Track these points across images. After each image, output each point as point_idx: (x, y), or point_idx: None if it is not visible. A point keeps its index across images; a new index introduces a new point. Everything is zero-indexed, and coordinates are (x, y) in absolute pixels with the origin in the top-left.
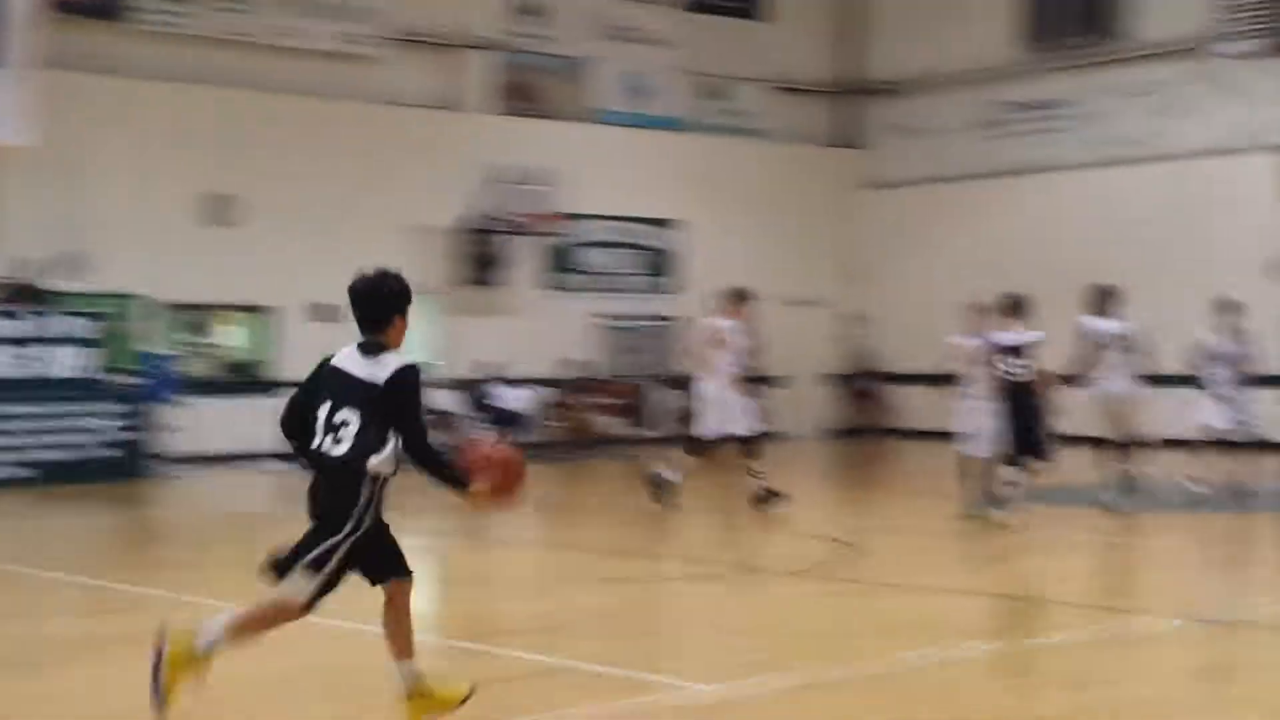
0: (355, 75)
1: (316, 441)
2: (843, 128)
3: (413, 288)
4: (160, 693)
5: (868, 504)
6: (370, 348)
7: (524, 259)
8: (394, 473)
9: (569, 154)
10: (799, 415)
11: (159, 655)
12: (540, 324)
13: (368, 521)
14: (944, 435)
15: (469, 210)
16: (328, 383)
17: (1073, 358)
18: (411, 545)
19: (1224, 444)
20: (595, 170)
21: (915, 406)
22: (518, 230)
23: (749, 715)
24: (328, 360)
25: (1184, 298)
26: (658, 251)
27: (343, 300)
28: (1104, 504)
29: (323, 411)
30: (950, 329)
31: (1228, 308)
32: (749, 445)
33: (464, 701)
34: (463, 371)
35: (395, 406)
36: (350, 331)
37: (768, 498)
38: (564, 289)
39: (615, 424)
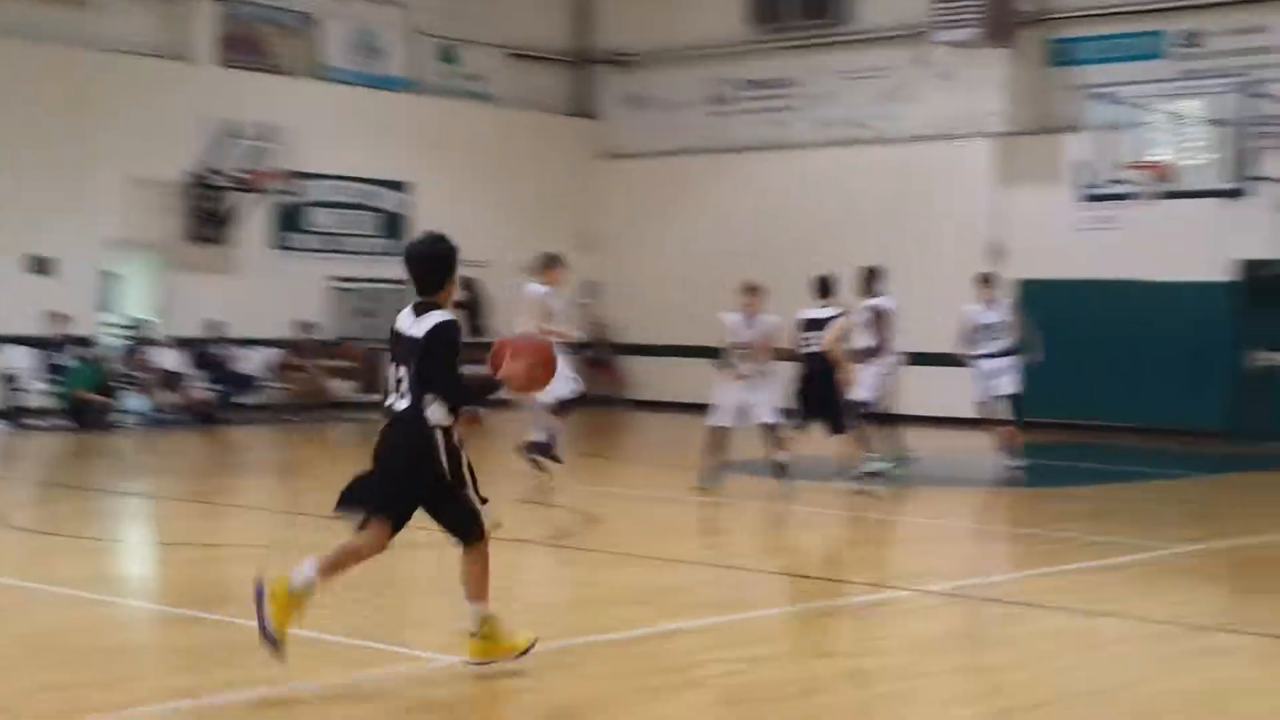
0: (70, 19)
1: (390, 399)
2: (578, 97)
3: (136, 242)
4: (270, 633)
5: (604, 473)
6: (423, 307)
7: (251, 217)
8: (455, 422)
9: (297, 111)
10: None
11: (260, 598)
12: (269, 284)
13: (434, 470)
14: (678, 406)
15: (193, 164)
16: (393, 344)
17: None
18: (134, 510)
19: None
20: (324, 129)
21: (649, 377)
22: (244, 187)
23: (485, 686)
24: (394, 324)
25: (908, 278)
26: (389, 214)
27: (60, 252)
28: (864, 477)
29: (391, 370)
30: (683, 300)
31: (990, 281)
32: (568, 407)
33: (525, 652)
34: (190, 330)
35: (430, 356)
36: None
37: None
38: (293, 249)
39: (346, 388)
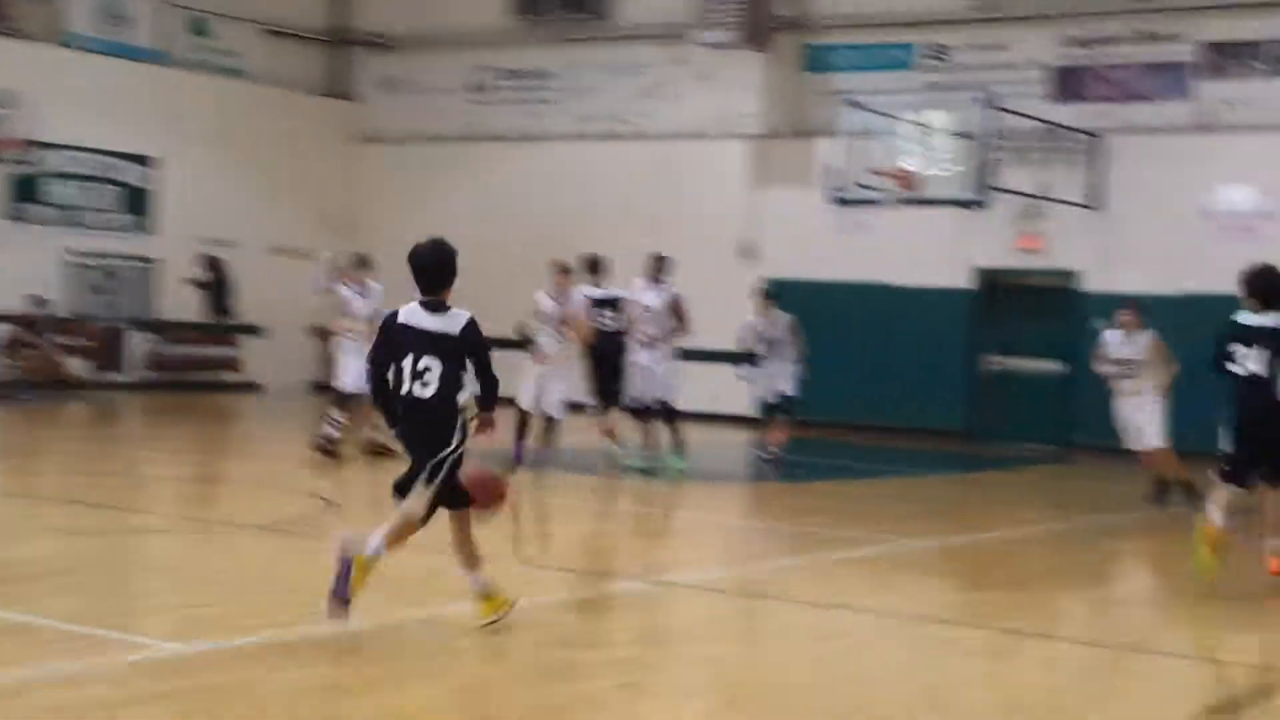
0: None
1: (405, 387)
2: (334, 78)
3: None
4: (347, 594)
5: (356, 459)
6: (434, 305)
7: None
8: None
9: (38, 77)
10: (284, 367)
11: (347, 565)
12: (2, 255)
13: (460, 447)
14: None
15: None
16: (403, 337)
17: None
18: None
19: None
20: (66, 97)
21: None
22: None
23: (215, 674)
24: (393, 319)
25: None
26: (133, 189)
27: None
28: (621, 469)
29: (407, 362)
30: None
31: (768, 294)
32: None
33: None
34: None
35: (471, 351)
36: None
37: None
38: (29, 220)
39: (84, 367)
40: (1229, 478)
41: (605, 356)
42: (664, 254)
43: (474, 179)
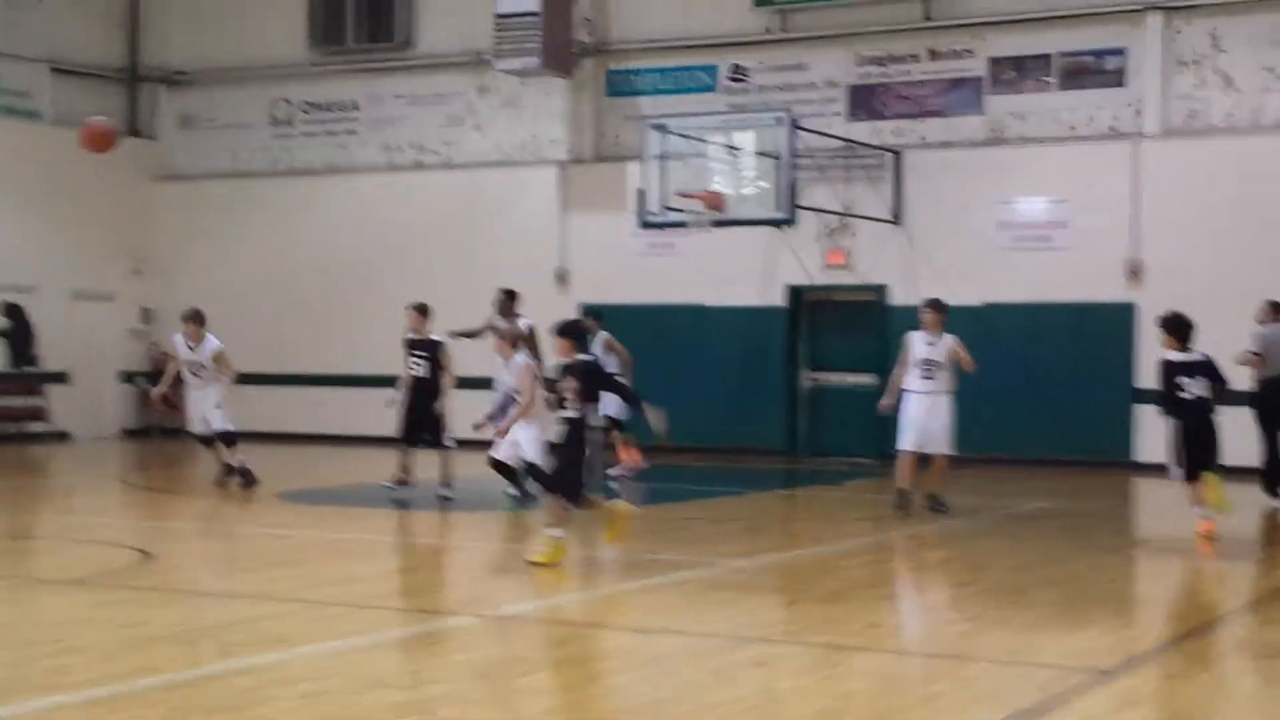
0: None
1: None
2: (130, 116)
3: None
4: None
5: (164, 507)
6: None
7: None
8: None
9: None
10: (91, 414)
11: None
12: None
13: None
14: (242, 435)
15: None
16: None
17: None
18: None
19: None
20: None
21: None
22: None
23: None
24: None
25: (477, 303)
26: None
27: None
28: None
29: (566, 385)
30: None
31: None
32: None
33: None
34: None
35: (602, 378)
36: None
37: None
38: None
39: None
40: (1191, 477)
41: (416, 400)
42: (510, 288)
43: (280, 215)
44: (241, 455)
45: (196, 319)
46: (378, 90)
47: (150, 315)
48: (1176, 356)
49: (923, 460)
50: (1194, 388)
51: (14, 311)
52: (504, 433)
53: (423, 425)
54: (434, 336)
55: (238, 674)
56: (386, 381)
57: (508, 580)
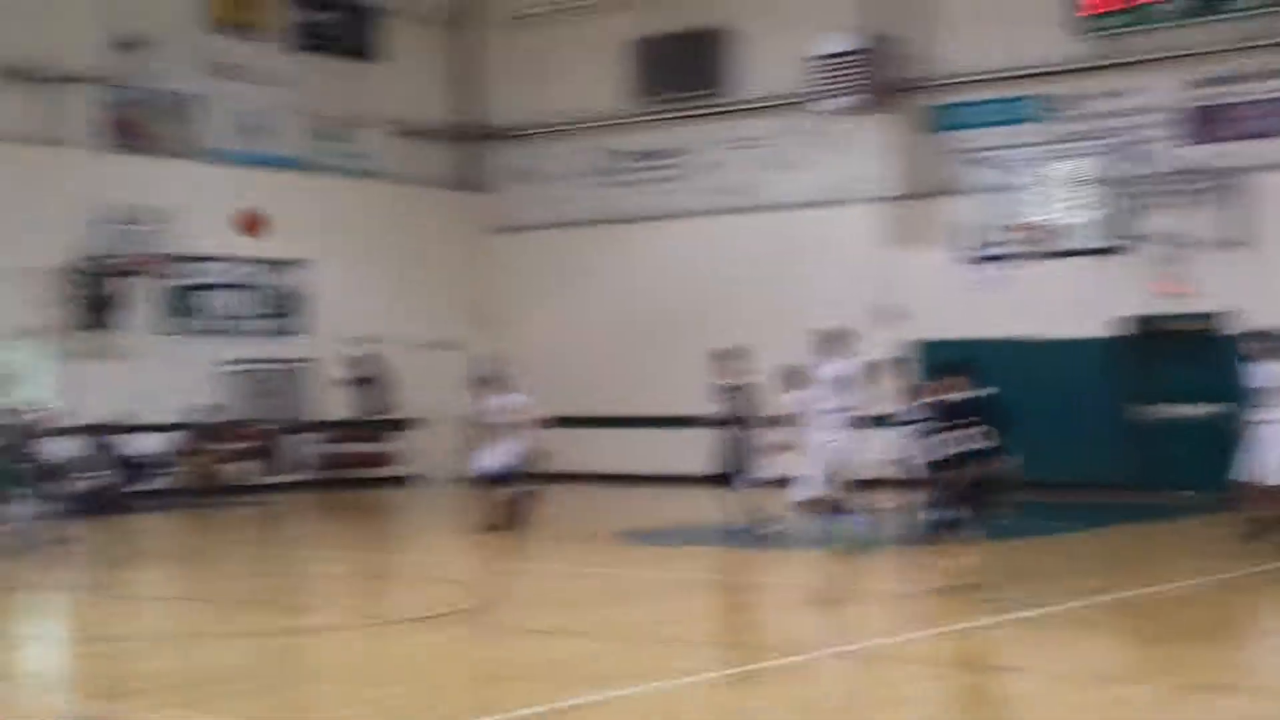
0: None
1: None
2: (466, 171)
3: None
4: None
5: (509, 548)
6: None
7: (140, 301)
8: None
9: (182, 192)
10: (434, 458)
11: None
12: (162, 368)
13: None
14: (575, 477)
15: (78, 251)
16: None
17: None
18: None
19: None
20: (211, 210)
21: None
22: (129, 272)
23: None
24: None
25: (797, 342)
26: (283, 294)
27: None
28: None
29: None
30: (579, 371)
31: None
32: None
33: None
34: (83, 418)
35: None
36: None
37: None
38: (186, 332)
39: (247, 469)
40: None
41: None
42: (842, 326)
43: (607, 261)
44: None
45: (491, 380)
46: (698, 136)
47: (492, 363)
48: None
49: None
50: None
51: (365, 362)
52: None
53: (739, 465)
54: (743, 380)
55: (585, 709)
56: (707, 423)
57: (847, 617)
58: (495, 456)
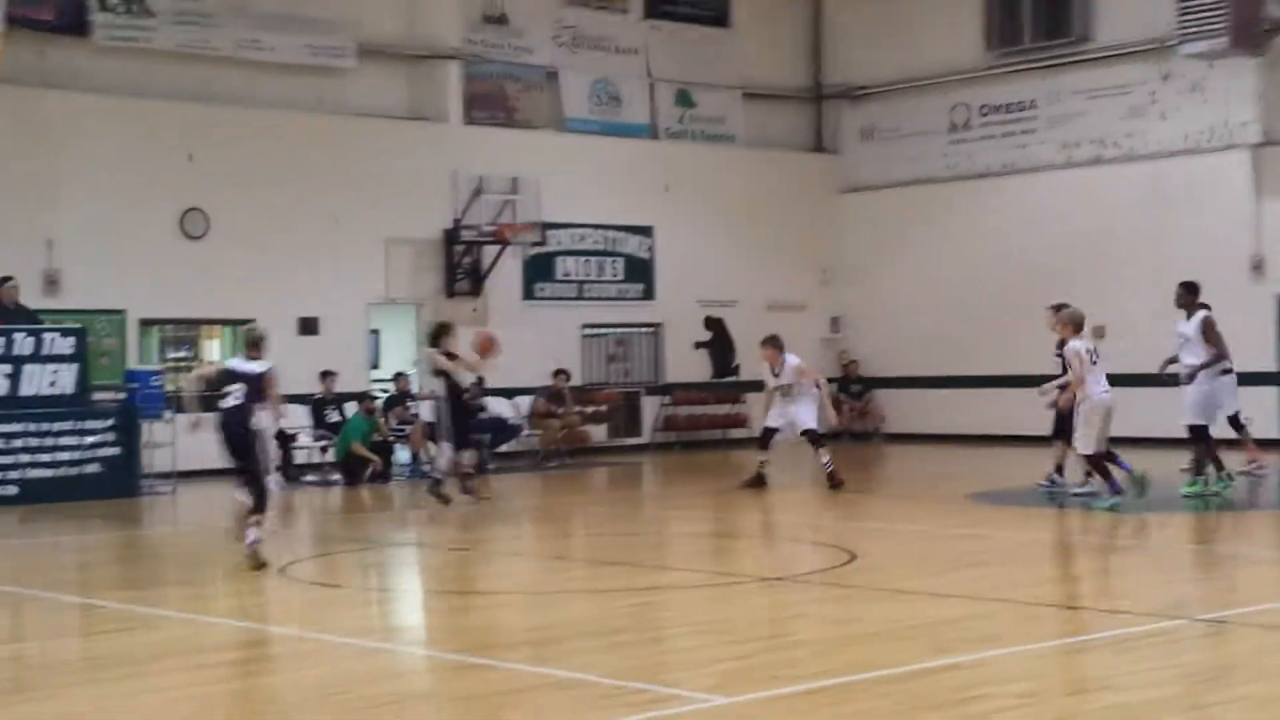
0: (326, 87)
1: None
2: (814, 133)
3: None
4: None
5: (861, 507)
6: None
7: (503, 269)
8: None
9: (542, 163)
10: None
11: None
12: (522, 333)
13: None
14: (925, 438)
15: (447, 221)
16: None
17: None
18: (409, 560)
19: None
20: (569, 178)
21: (895, 409)
22: (495, 240)
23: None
24: None
25: (1166, 297)
26: (636, 259)
27: (323, 312)
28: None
29: None
30: (927, 330)
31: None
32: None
33: None
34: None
35: None
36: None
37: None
38: (544, 298)
39: (600, 432)
40: None
41: None
42: (1189, 280)
43: (959, 219)
44: (828, 455)
45: (773, 343)
46: (1055, 87)
47: (839, 323)
48: None
49: None
50: None
51: (715, 324)
52: None
53: (1060, 424)
54: (1064, 339)
55: (952, 670)
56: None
57: (1216, 582)
58: (782, 416)
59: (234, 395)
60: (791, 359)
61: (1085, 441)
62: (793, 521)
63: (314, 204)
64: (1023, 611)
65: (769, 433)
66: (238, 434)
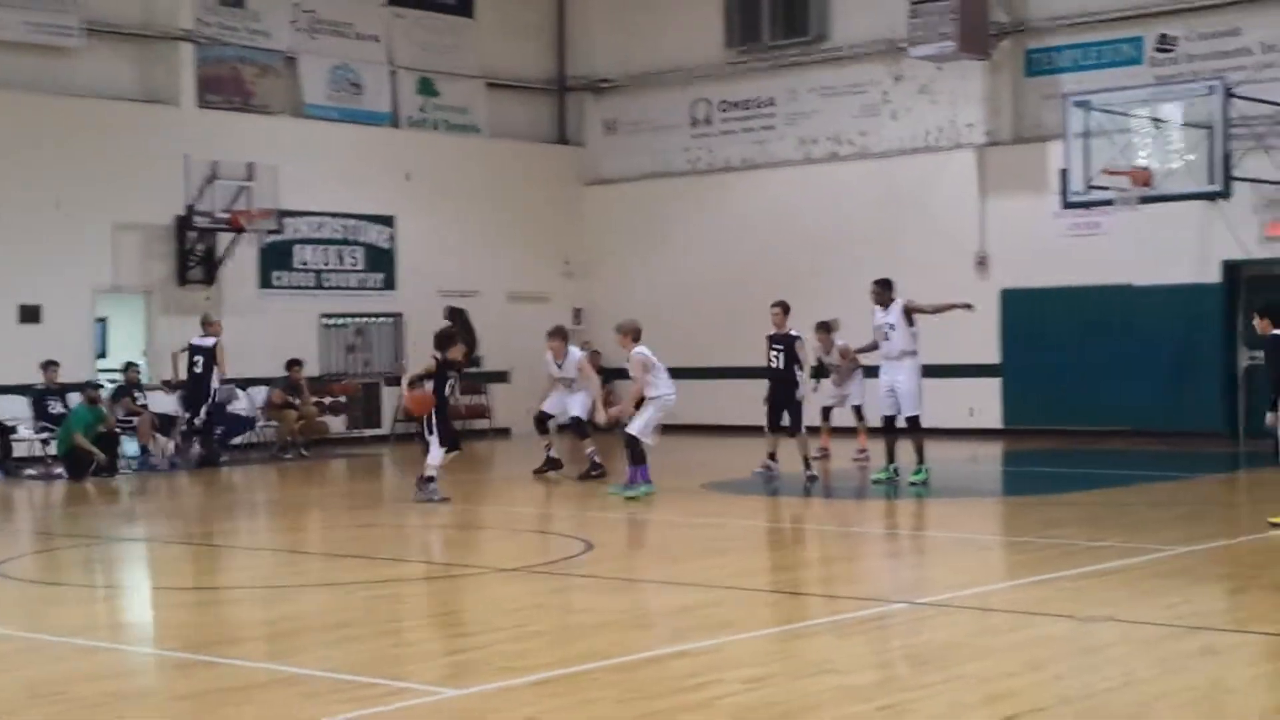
0: (51, 67)
1: None
2: (559, 124)
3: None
4: None
5: (597, 498)
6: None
7: (238, 257)
8: None
9: (280, 149)
10: (526, 408)
11: None
12: (258, 323)
13: None
14: (668, 429)
15: (179, 207)
16: None
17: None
18: (134, 556)
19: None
20: (308, 166)
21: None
22: (230, 227)
23: (492, 716)
24: None
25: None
26: (377, 249)
27: (46, 299)
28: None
29: None
30: (673, 322)
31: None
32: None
33: None
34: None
35: None
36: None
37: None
38: (281, 287)
39: (340, 423)
40: None
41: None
42: (884, 278)
43: (701, 213)
44: (593, 446)
45: (559, 335)
46: (793, 85)
47: (582, 315)
48: None
49: None
50: None
51: (457, 315)
52: None
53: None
54: (792, 332)
55: (683, 658)
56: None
57: (937, 567)
58: (558, 405)
59: None
60: (575, 352)
61: (643, 429)
62: (532, 512)
63: (37, 187)
64: (753, 598)
65: (544, 417)
66: None
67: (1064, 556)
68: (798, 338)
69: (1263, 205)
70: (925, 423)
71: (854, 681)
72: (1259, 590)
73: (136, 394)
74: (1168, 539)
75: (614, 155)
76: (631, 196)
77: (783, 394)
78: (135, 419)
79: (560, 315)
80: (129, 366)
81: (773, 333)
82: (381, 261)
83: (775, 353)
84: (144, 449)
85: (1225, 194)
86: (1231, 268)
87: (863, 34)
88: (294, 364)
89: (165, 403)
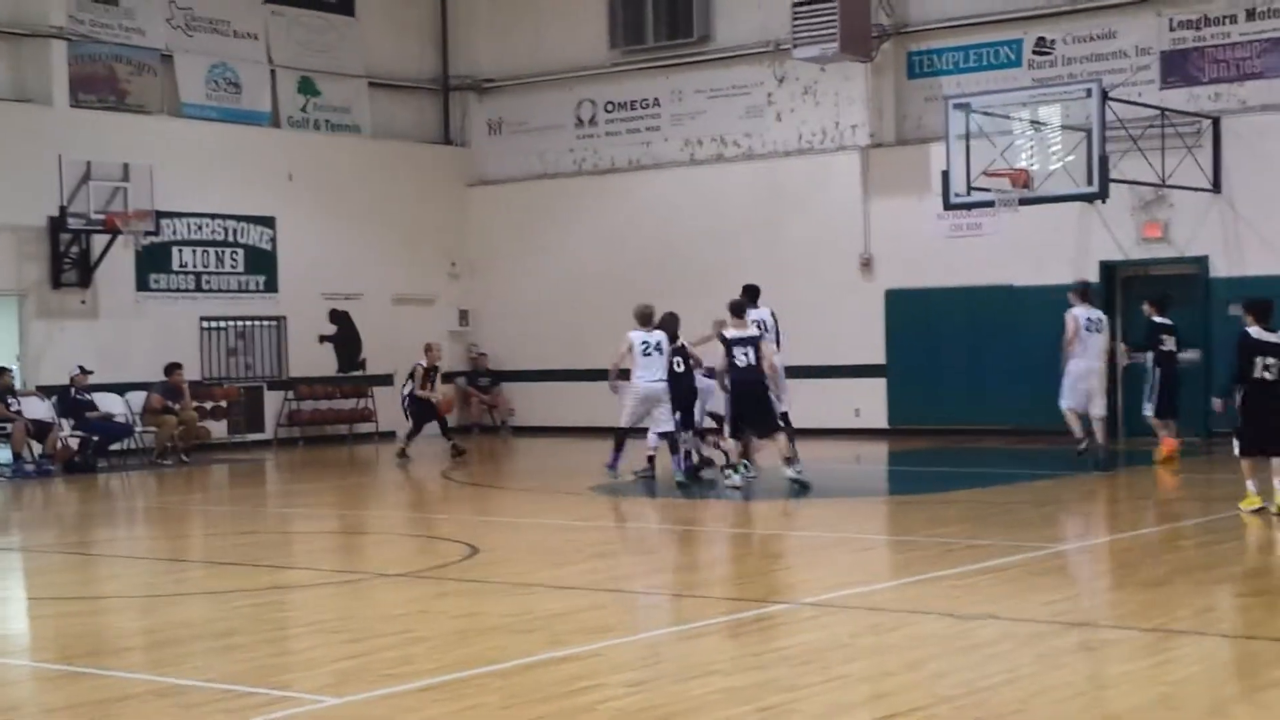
0: None
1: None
2: (443, 125)
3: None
4: None
5: (485, 501)
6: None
7: (115, 259)
8: None
9: (157, 149)
10: None
11: None
12: (136, 326)
13: None
14: (555, 430)
15: (53, 208)
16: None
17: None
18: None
19: None
20: (186, 166)
21: (526, 402)
22: (106, 229)
23: None
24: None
25: (782, 292)
26: (257, 250)
27: None
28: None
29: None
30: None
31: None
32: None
33: None
34: (56, 378)
35: None
36: None
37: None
38: (160, 289)
39: (221, 428)
40: (1246, 453)
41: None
42: (751, 284)
43: (585, 214)
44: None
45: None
46: (678, 86)
47: (468, 316)
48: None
49: None
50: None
51: (341, 318)
52: None
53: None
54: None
55: (566, 662)
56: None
57: (820, 567)
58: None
59: None
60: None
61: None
62: (416, 517)
63: None
64: (637, 601)
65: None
66: None
67: (946, 555)
68: (763, 336)
69: (1139, 206)
70: (812, 424)
71: (735, 683)
72: (1135, 587)
73: (10, 400)
74: (1048, 537)
75: (499, 156)
76: (517, 197)
77: (753, 396)
78: (9, 425)
79: (447, 317)
80: (2, 371)
81: (734, 335)
82: (263, 264)
83: (743, 352)
84: (17, 456)
85: (1103, 195)
86: (1109, 268)
87: (746, 35)
88: (174, 368)
89: (39, 408)
